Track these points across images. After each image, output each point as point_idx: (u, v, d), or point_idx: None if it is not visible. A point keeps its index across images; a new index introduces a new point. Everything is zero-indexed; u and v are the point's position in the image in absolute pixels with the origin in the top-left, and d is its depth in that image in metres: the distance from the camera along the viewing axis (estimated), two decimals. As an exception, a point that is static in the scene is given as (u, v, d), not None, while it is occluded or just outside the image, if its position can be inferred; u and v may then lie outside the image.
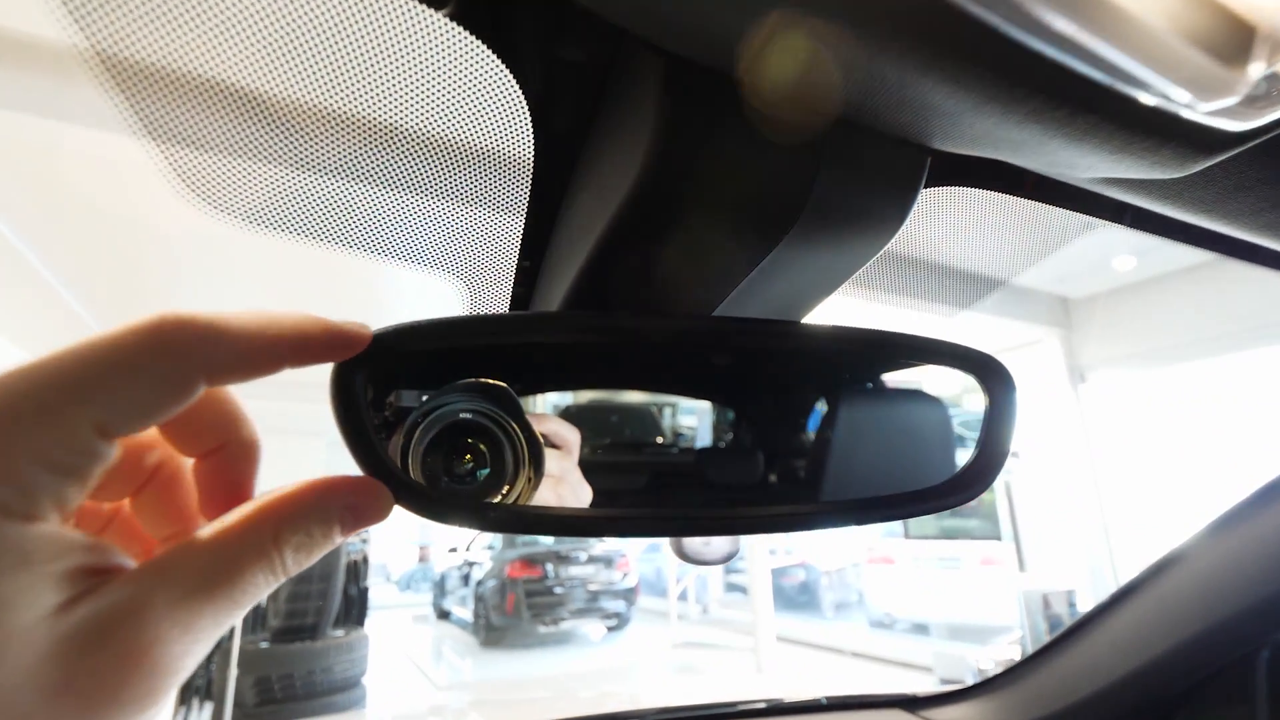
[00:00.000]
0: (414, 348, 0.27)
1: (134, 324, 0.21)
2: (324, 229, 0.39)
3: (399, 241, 0.40)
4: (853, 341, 0.35)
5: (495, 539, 8.47)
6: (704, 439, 0.38)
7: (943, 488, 0.36)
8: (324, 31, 0.30)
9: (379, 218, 0.39)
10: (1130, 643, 0.93)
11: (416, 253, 0.41)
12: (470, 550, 8.99)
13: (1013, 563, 5.73)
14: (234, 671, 3.96)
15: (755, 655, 6.44)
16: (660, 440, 0.35)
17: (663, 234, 0.31)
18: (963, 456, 0.37)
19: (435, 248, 0.41)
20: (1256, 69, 0.19)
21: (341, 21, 0.30)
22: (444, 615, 9.74)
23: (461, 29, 0.29)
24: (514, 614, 7.33)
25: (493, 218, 0.38)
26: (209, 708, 4.44)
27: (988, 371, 0.36)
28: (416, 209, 0.39)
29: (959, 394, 0.39)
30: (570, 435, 0.31)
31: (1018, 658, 1.09)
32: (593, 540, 8.52)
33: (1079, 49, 0.18)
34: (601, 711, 1.15)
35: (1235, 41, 0.18)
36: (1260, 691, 0.90)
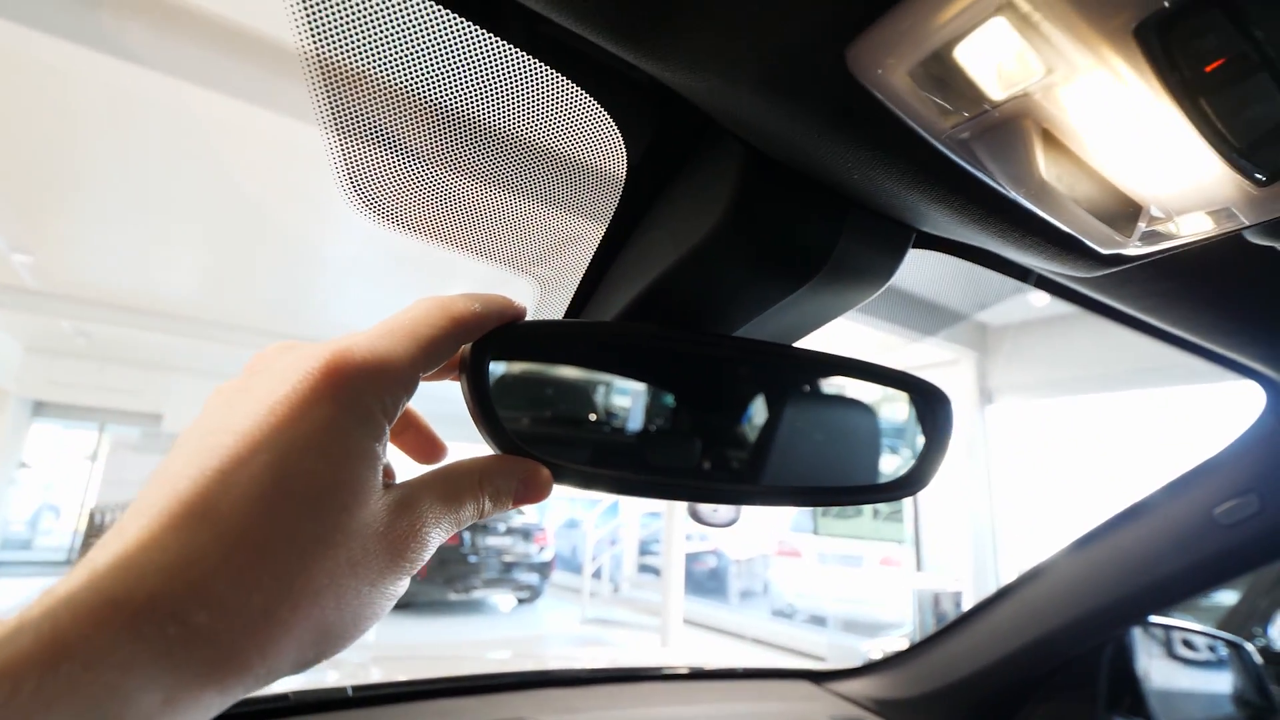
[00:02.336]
0: (523, 339, 0.36)
1: (427, 303, 0.32)
2: (445, 229, 0.45)
3: (498, 244, 0.47)
4: (835, 364, 0.44)
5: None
6: (716, 430, 0.46)
7: (893, 484, 0.45)
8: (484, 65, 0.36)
9: (491, 221, 0.45)
10: (1003, 633, 1.08)
11: (509, 255, 0.47)
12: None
13: (911, 564, 6.14)
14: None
15: (661, 634, 6.66)
16: (666, 426, 0.44)
17: (716, 272, 0.40)
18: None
19: (526, 253, 0.48)
20: (1140, 228, 0.30)
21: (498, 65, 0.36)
22: (351, 575, 9.51)
23: (585, 93, 0.36)
24: (426, 580, 7.28)
25: (577, 234, 0.46)
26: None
27: (937, 399, 0.46)
28: (521, 215, 0.45)
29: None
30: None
31: (905, 651, 1.23)
32: (514, 513, 8.53)
33: (1019, 207, 0.28)
34: (528, 670, 1.21)
35: (1128, 211, 0.28)
36: (1102, 677, 1.07)
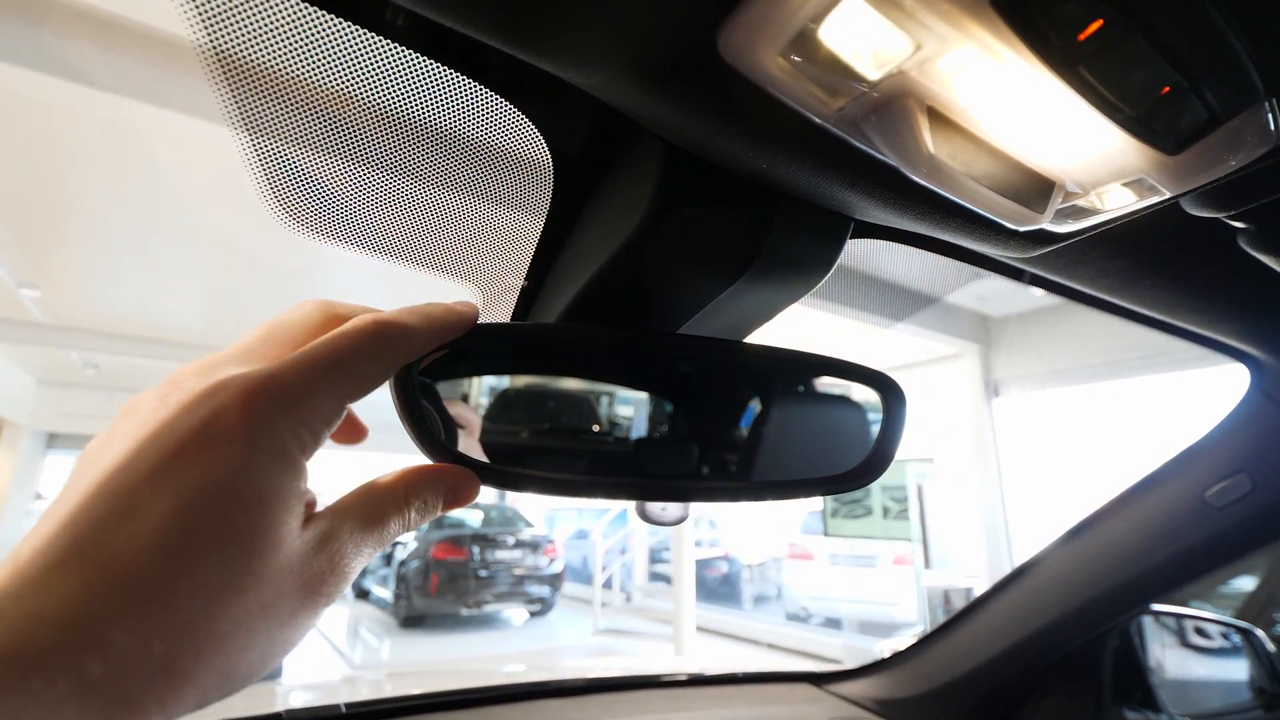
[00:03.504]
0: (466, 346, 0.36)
1: (358, 325, 0.30)
2: (373, 236, 0.45)
3: (435, 254, 0.47)
4: (781, 359, 0.44)
5: (423, 519, 8.33)
6: (660, 427, 0.45)
7: (847, 474, 0.44)
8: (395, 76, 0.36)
9: (422, 226, 0.46)
10: (1001, 628, 1.07)
11: (444, 262, 0.48)
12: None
13: (921, 563, 6.09)
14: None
15: (675, 643, 6.62)
16: (608, 426, 0.43)
17: (647, 270, 0.39)
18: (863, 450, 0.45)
19: (463, 260, 0.48)
20: (1055, 204, 0.30)
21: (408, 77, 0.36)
22: (363, 594, 9.53)
23: (508, 103, 0.36)
24: (436, 595, 7.27)
25: (514, 236, 0.46)
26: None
27: (885, 387, 0.45)
28: (454, 219, 0.45)
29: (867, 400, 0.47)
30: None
31: (917, 649, 1.21)
32: (521, 524, 8.52)
33: (938, 195, 0.27)
34: (525, 680, 1.20)
35: (1040, 187, 0.28)
36: (1107, 668, 1.05)
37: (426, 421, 0.34)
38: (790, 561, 8.38)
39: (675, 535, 7.49)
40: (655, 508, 0.42)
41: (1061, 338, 5.83)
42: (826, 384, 0.46)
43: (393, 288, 5.52)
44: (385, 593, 8.37)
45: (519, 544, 7.77)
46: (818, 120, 0.26)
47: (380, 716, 1.01)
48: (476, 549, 7.53)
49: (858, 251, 0.65)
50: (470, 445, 0.39)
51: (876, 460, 0.44)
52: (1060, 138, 0.26)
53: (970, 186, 0.27)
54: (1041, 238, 0.38)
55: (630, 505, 0.43)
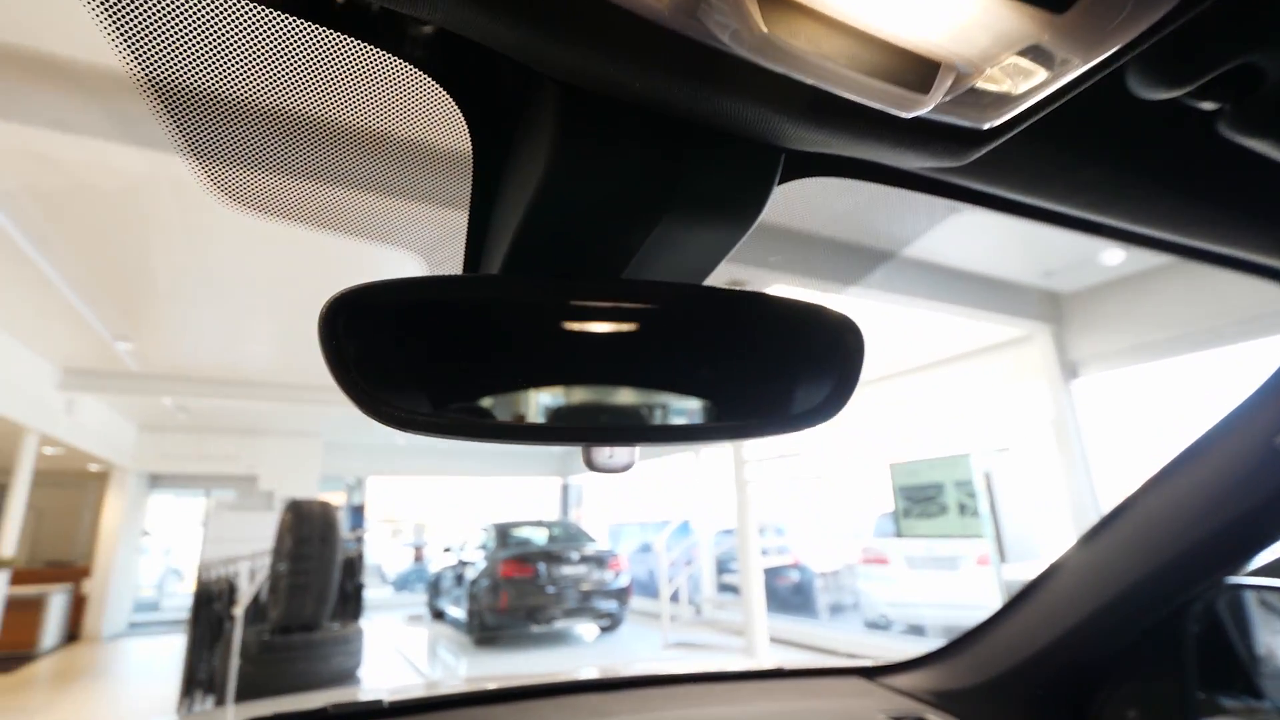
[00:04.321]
0: (375, 302, 0.36)
1: None
2: (316, 215, 0.46)
3: (377, 226, 0.48)
4: (733, 300, 0.42)
5: (489, 540, 8.50)
6: (618, 372, 0.44)
7: (808, 412, 0.41)
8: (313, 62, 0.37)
9: (365, 212, 0.46)
10: (1062, 609, 0.98)
11: (391, 236, 0.48)
12: (464, 550, 9.02)
13: (997, 557, 5.78)
14: (235, 662, 4.00)
15: (748, 654, 6.47)
16: (555, 371, 0.42)
17: (566, 217, 0.38)
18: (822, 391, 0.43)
19: (402, 229, 0.49)
20: (943, 85, 0.27)
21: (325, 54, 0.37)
22: (439, 615, 9.76)
23: (418, 71, 0.37)
24: (507, 613, 7.36)
25: (447, 206, 0.46)
26: (210, 700, 4.48)
27: (844, 328, 0.43)
28: (392, 206, 0.46)
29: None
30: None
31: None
32: (585, 540, 8.56)
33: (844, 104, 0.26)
34: (574, 678, 1.19)
35: (922, 70, 0.26)
36: (1189, 649, 0.95)
37: (350, 371, 0.34)
38: (865, 567, 8.08)
39: (740, 545, 7.35)
40: (602, 455, 0.41)
41: (1145, 309, 5.45)
42: (780, 323, 0.44)
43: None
44: (460, 612, 8.54)
45: (584, 559, 7.79)
46: (657, 20, 0.25)
47: (423, 709, 1.02)
48: (543, 566, 7.59)
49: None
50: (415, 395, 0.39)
51: (834, 401, 0.41)
52: (929, 7, 0.24)
53: (824, 67, 0.24)
54: (968, 138, 0.34)
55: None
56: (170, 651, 8.11)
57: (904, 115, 0.28)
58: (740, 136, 0.36)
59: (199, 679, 4.39)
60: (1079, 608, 0.95)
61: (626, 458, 0.41)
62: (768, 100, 0.31)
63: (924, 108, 0.27)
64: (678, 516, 9.39)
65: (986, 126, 0.32)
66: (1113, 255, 4.98)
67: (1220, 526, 0.82)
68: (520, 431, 0.38)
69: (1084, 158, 0.44)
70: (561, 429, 0.39)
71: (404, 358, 0.39)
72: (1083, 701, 0.99)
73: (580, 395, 0.40)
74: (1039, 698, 1.01)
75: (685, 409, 0.41)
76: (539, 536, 8.63)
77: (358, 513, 12.63)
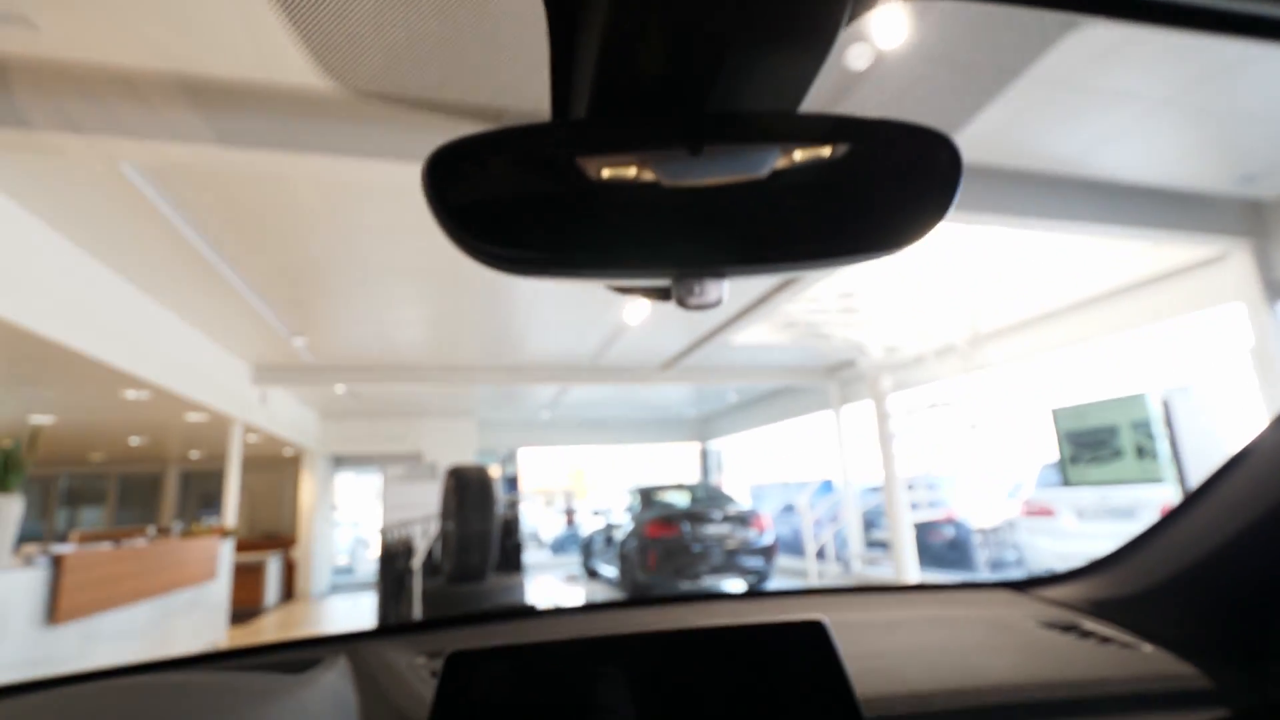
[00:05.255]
0: (471, 152, 0.39)
1: None
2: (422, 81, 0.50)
3: (457, 83, 0.52)
4: (818, 123, 0.42)
5: (634, 503, 8.84)
6: (706, 205, 0.45)
7: (890, 237, 0.42)
8: None
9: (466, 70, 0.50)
10: (1252, 499, 0.88)
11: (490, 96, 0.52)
12: (612, 514, 9.45)
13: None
14: (417, 608, 4.54)
15: (901, 609, 6.27)
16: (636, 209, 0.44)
17: (639, 51, 0.39)
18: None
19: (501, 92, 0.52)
20: None
21: None
22: (593, 574, 10.35)
23: None
24: (656, 571, 7.64)
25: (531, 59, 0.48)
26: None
27: (939, 145, 0.42)
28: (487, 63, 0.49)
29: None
30: None
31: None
32: (727, 500, 8.64)
33: None
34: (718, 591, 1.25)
35: None
36: None
37: (450, 210, 0.38)
38: (1028, 520, 7.50)
39: (888, 499, 7.10)
40: (692, 292, 0.43)
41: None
42: (870, 142, 0.44)
43: (579, 290, 5.92)
44: (612, 571, 9.01)
45: (727, 519, 7.89)
46: None
47: (572, 612, 1.12)
48: (688, 525, 7.78)
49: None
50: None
51: (920, 224, 0.41)
52: None
53: None
54: None
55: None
56: (365, 604, 9.29)
57: None
58: None
59: (389, 623, 5.02)
60: (1270, 496, 0.85)
61: (717, 292, 0.43)
62: None
63: None
64: (819, 475, 9.21)
65: None
66: (1327, 143, 4.17)
67: None
68: (608, 262, 0.40)
69: None
70: (651, 259, 0.41)
71: (502, 203, 0.41)
72: (1266, 610, 0.89)
73: (669, 224, 0.42)
74: (1216, 604, 0.92)
75: (776, 234, 0.42)
76: (681, 499, 8.85)
77: (511, 482, 13.61)
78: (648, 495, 8.88)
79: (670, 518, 7.90)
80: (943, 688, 0.79)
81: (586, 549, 10.44)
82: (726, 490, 9.77)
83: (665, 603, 1.15)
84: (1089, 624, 1.00)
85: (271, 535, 11.98)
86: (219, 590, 6.78)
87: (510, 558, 5.85)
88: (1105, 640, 0.95)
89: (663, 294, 0.49)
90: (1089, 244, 5.97)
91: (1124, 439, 5.65)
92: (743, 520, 7.92)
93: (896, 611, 1.08)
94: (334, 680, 0.69)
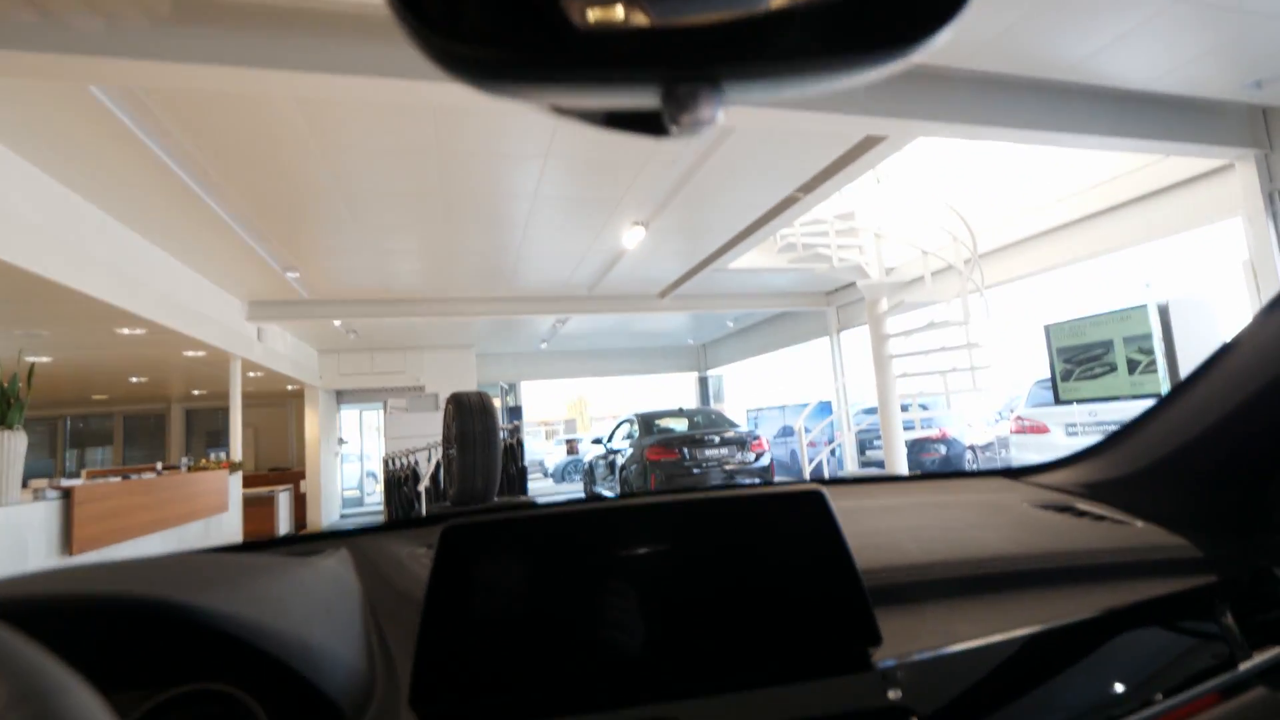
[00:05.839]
0: None
1: None
2: None
3: None
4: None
5: (634, 430, 8.99)
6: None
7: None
8: None
9: None
10: (1240, 383, 0.89)
11: None
12: (612, 441, 9.62)
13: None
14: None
15: (894, 524, 6.48)
16: None
17: None
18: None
19: None
20: None
21: None
22: (595, 499, 10.59)
23: None
24: (657, 491, 7.83)
25: None
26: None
27: None
28: None
29: None
30: None
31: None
32: (725, 424, 8.78)
33: None
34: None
35: None
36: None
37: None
38: (1019, 437, 7.66)
39: (882, 417, 7.22)
40: (684, 113, 0.39)
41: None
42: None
43: (563, 206, 5.80)
44: (613, 495, 9.23)
45: (725, 442, 8.04)
46: None
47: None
48: (686, 449, 7.94)
49: None
50: None
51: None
52: None
53: None
54: None
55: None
56: (376, 534, 9.60)
57: None
58: None
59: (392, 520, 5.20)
60: (1265, 372, 0.86)
61: (710, 110, 0.39)
62: None
63: None
64: (816, 398, 9.34)
65: None
66: (1346, 41, 4.01)
67: None
68: (589, 62, 0.37)
69: None
70: (636, 56, 0.35)
71: None
72: (1266, 474, 0.91)
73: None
74: (1204, 483, 0.95)
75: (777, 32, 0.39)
76: (680, 424, 8.99)
77: (514, 412, 13.81)
78: (647, 422, 9.02)
79: (669, 442, 8.05)
80: (939, 560, 0.82)
81: (589, 474, 10.69)
82: (725, 415, 9.92)
83: (670, 494, 1.17)
84: (1082, 505, 1.03)
85: (280, 469, 12.23)
86: (231, 522, 6.97)
87: (514, 483, 6.00)
88: (1099, 518, 0.98)
89: (653, 125, 0.44)
90: (1089, 158, 5.84)
91: (1118, 353, 5.69)
92: (740, 443, 8.08)
93: (895, 498, 1.11)
94: (334, 565, 0.71)
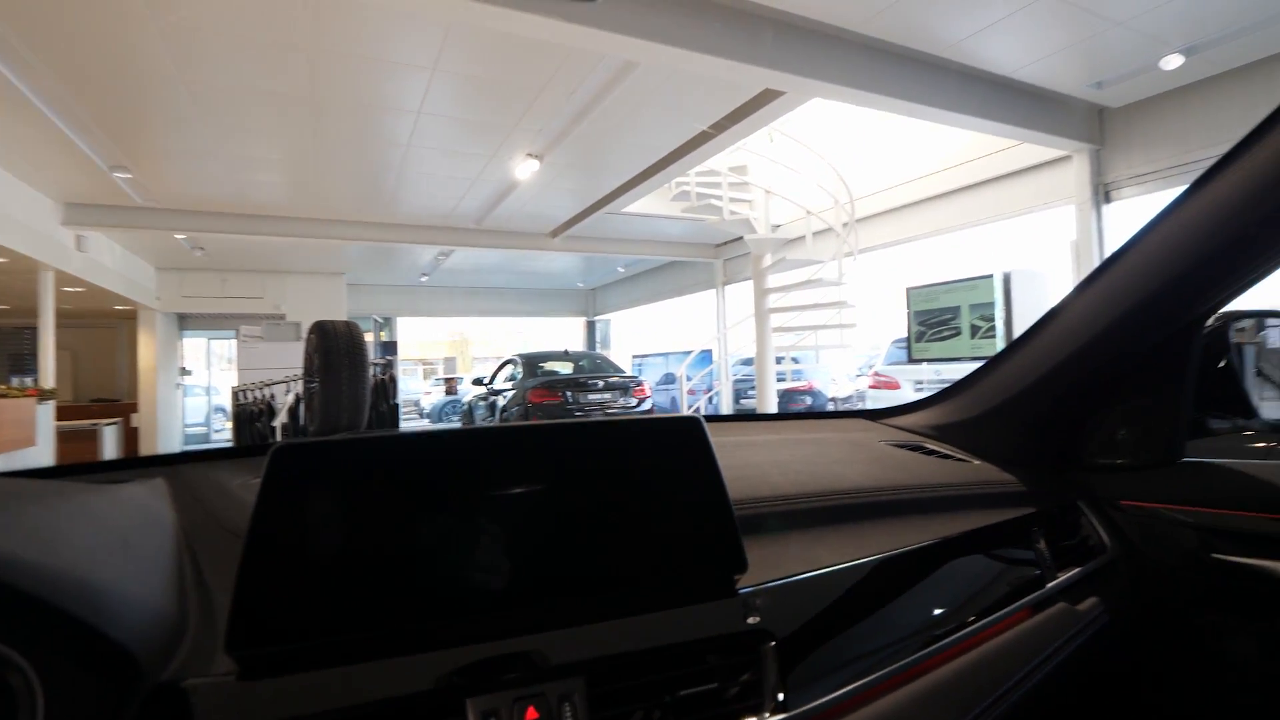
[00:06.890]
0: None
1: None
2: None
3: None
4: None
5: (517, 371, 8.83)
6: None
7: None
8: None
9: None
10: (1069, 334, 0.98)
11: None
12: (494, 382, 9.42)
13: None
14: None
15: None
16: None
17: None
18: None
19: None
20: None
21: None
22: (472, 441, 10.36)
23: None
24: (535, 434, 7.79)
25: None
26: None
27: None
28: None
29: None
30: None
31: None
32: (610, 368, 8.86)
33: None
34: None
35: None
36: (1190, 372, 0.96)
37: None
38: (874, 392, 8.36)
39: (758, 370, 7.57)
40: None
41: (1192, 122, 5.04)
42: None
43: (458, 124, 5.44)
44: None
45: (608, 386, 8.11)
46: None
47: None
48: (569, 393, 7.93)
49: None
50: None
51: None
52: None
53: None
54: None
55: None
56: (227, 471, 8.84)
57: None
58: None
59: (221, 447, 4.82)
60: (1080, 335, 0.96)
61: None
62: None
63: None
64: (699, 347, 9.62)
65: None
66: (1171, 60, 4.52)
67: (1222, 250, 0.79)
68: None
69: None
70: None
71: None
72: (1078, 421, 1.03)
73: None
74: (1029, 427, 1.05)
75: None
76: (564, 367, 8.94)
77: (389, 347, 13.11)
78: (531, 364, 8.89)
79: (553, 384, 8.00)
80: (804, 490, 0.85)
81: (468, 416, 10.44)
82: (610, 360, 9.99)
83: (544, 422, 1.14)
84: (930, 444, 1.12)
85: (105, 401, 10.89)
86: (39, 458, 6.16)
87: (385, 421, 5.72)
88: (944, 457, 1.07)
89: None
90: (954, 138, 6.28)
91: (964, 318, 6.29)
92: (624, 388, 8.18)
93: (765, 435, 1.15)
94: (141, 493, 0.61)
